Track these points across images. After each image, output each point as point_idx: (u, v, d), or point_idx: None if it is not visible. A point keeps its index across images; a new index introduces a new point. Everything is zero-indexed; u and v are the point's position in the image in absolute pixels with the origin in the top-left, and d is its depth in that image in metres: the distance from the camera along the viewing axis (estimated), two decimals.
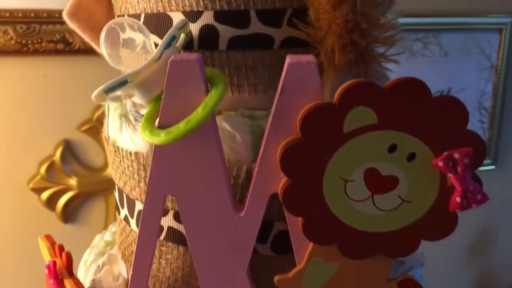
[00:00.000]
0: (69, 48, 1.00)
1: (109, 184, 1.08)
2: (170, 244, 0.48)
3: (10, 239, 1.06)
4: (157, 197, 0.43)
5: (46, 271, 0.49)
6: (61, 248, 0.50)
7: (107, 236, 0.63)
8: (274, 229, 0.46)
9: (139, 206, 0.49)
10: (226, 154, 0.44)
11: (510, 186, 1.46)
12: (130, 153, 0.47)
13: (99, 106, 1.05)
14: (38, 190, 1.06)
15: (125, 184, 0.50)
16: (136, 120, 0.47)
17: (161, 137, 0.38)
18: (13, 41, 0.97)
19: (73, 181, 1.07)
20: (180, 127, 0.38)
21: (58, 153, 1.05)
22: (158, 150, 0.41)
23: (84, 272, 0.57)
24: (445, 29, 1.29)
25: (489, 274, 1.53)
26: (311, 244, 0.43)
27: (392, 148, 0.39)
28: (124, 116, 0.48)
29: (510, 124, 1.41)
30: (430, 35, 1.29)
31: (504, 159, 1.43)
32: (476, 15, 1.30)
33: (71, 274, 0.49)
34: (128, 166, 0.48)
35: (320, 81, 0.38)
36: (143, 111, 0.48)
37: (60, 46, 0.99)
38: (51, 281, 0.48)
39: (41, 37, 0.98)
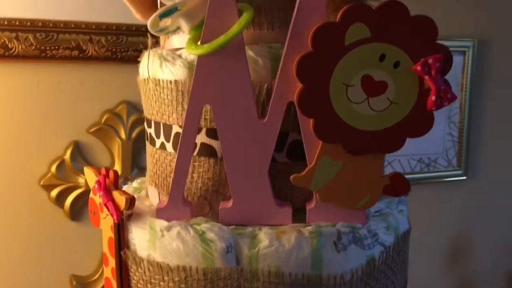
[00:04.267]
0: (83, 54, 1.11)
1: None
2: (202, 158, 0.58)
3: (18, 234, 1.12)
4: (197, 105, 0.54)
5: (96, 186, 0.59)
6: (107, 169, 0.60)
7: (135, 184, 0.73)
8: (289, 138, 0.57)
9: (175, 129, 0.59)
10: (250, 76, 0.55)
11: (480, 195, 1.58)
12: (170, 82, 0.58)
13: (106, 111, 1.15)
14: (48, 187, 1.14)
15: (162, 114, 0.60)
16: (173, 58, 0.58)
17: (205, 47, 0.50)
18: (33, 47, 1.08)
19: (81, 179, 1.16)
20: (220, 38, 0.50)
21: (68, 152, 1.14)
22: (200, 63, 0.52)
23: None
24: None
25: (465, 282, 1.62)
26: (320, 144, 0.54)
27: (382, 57, 0.51)
28: (162, 56, 0.60)
29: (477, 137, 1.55)
30: None
31: (473, 170, 1.56)
32: (441, 38, 1.46)
33: (117, 187, 0.58)
34: (167, 95, 0.58)
35: (325, 5, 0.51)
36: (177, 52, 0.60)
37: (75, 52, 1.11)
38: (101, 193, 0.58)
39: (58, 44, 1.10)
